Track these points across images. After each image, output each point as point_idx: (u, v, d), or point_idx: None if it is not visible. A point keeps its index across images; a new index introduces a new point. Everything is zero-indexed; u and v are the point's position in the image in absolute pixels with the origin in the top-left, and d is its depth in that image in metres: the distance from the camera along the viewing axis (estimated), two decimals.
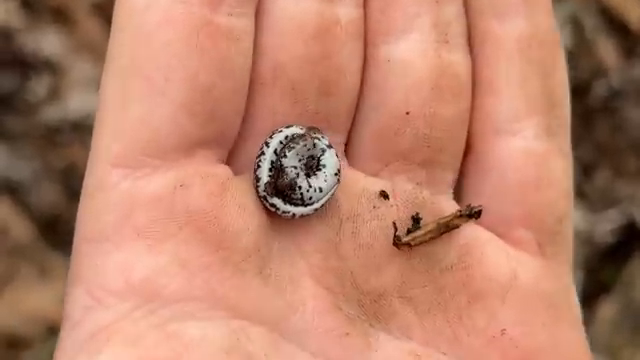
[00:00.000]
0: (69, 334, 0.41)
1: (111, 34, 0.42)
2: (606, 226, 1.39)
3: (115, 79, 0.41)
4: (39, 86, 1.37)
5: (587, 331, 1.32)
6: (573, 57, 1.48)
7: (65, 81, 1.37)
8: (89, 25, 1.40)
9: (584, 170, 1.38)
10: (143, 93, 0.41)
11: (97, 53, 1.38)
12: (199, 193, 0.41)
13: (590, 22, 1.46)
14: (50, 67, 1.37)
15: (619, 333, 1.29)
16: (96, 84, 1.37)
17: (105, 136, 0.41)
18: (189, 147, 0.41)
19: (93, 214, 0.41)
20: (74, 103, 1.36)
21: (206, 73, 0.41)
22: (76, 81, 1.37)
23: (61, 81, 1.37)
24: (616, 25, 1.48)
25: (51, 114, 1.36)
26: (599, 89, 1.45)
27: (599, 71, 1.46)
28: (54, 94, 1.37)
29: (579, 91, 1.42)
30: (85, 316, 0.40)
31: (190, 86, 0.41)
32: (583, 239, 1.36)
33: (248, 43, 0.42)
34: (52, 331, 1.24)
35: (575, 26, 1.46)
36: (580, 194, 1.38)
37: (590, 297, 1.34)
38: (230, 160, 0.44)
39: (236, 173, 0.43)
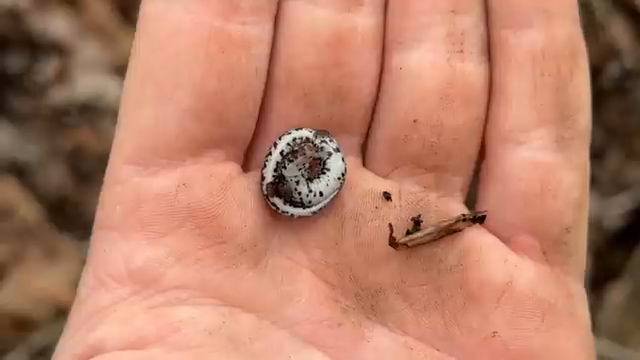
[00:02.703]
0: (76, 310, 0.44)
1: (134, 39, 0.44)
2: (616, 210, 1.39)
3: (132, 82, 0.44)
4: (47, 67, 1.37)
5: (595, 316, 1.31)
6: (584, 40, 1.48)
7: (73, 63, 1.37)
8: (97, 7, 1.40)
9: (594, 154, 1.38)
10: (154, 97, 0.43)
11: (105, 35, 1.38)
12: (200, 191, 0.43)
13: (601, 5, 1.46)
14: (58, 49, 1.38)
15: (628, 318, 1.30)
16: (104, 66, 1.37)
17: (121, 134, 0.44)
18: (196, 148, 0.43)
19: (106, 204, 0.44)
20: (82, 85, 1.36)
21: (214, 80, 0.42)
22: (84, 63, 1.37)
23: (69, 63, 1.37)
24: (627, 8, 1.48)
25: (59, 96, 1.36)
26: (611, 71, 1.45)
27: (611, 53, 1.46)
28: (62, 76, 1.37)
29: (591, 73, 1.41)
30: (90, 296, 0.43)
31: (197, 93, 0.42)
32: (592, 224, 1.36)
33: (262, 49, 0.44)
34: (60, 312, 1.25)
35: (586, 9, 1.46)
36: (590, 178, 1.38)
37: (599, 282, 1.34)
38: (248, 156, 0.46)
39: (252, 169, 0.46)
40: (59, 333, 1.24)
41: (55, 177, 1.32)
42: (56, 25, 1.38)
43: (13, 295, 1.25)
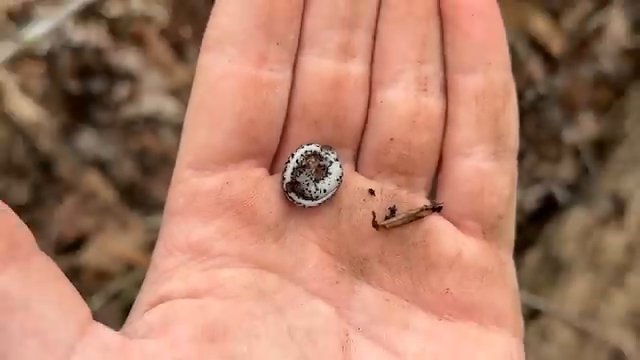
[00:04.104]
0: (151, 271, 0.44)
1: (194, 81, 0.44)
2: (532, 197, 1.40)
3: (191, 111, 0.44)
4: (121, 90, 1.37)
5: (517, 274, 1.31)
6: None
7: (140, 87, 1.37)
8: (157, 46, 1.39)
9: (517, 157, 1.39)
10: (207, 123, 0.43)
11: (163, 67, 1.38)
12: (239, 188, 0.43)
13: (522, 47, 1.46)
14: (129, 77, 1.37)
15: (540, 275, 1.30)
16: (162, 90, 1.37)
17: (183, 147, 0.44)
18: (236, 159, 0.43)
19: (173, 196, 0.44)
20: (146, 103, 1.35)
21: (249, 112, 0.43)
22: (148, 87, 1.37)
23: (137, 87, 1.37)
24: (541, 50, 1.48)
25: (129, 111, 1.36)
26: (529, 96, 1.45)
27: (529, 83, 1.46)
28: (132, 96, 1.37)
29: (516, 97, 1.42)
30: (161, 261, 0.43)
31: (237, 121, 0.43)
32: (516, 206, 1.37)
33: (284, 89, 0.44)
34: (129, 267, 1.25)
35: (512, 50, 1.46)
36: None
37: (519, 250, 1.35)
38: (273, 163, 0.46)
39: (275, 173, 0.46)
40: (128, 282, 1.24)
41: (126, 170, 1.32)
42: (128, 59, 1.38)
43: (96, 255, 1.25)
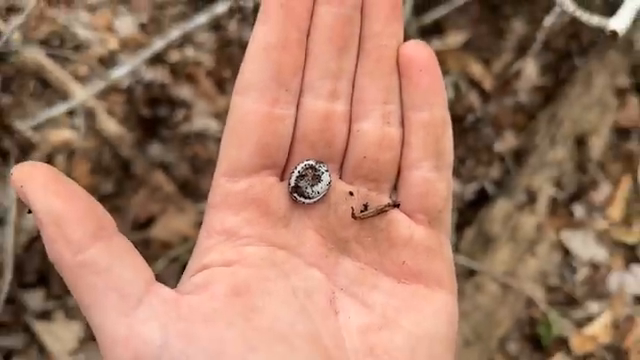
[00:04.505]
0: (196, 248, 0.43)
1: (228, 114, 0.44)
2: (470, 190, 1.39)
3: (226, 133, 0.43)
4: (179, 114, 1.37)
5: (458, 245, 1.29)
6: (455, 103, 1.48)
7: (192, 112, 1.37)
8: (205, 83, 1.39)
9: (459, 161, 1.39)
10: (236, 144, 0.43)
11: (209, 98, 1.38)
12: (259, 190, 0.43)
13: (464, 84, 1.46)
14: (185, 104, 1.37)
15: (475, 245, 1.29)
16: (208, 114, 1.37)
17: (220, 160, 0.43)
18: (256, 170, 0.43)
19: (213, 195, 0.43)
20: (197, 123, 1.35)
21: (266, 137, 0.42)
22: (198, 112, 1.37)
23: (190, 112, 1.37)
24: (477, 86, 1.48)
25: (185, 128, 1.36)
26: (469, 118, 1.45)
27: (470, 109, 1.46)
28: (187, 118, 1.37)
29: (459, 119, 1.41)
30: (203, 241, 0.43)
31: (257, 144, 0.42)
32: (458, 197, 1.36)
33: (290, 122, 0.43)
34: (185, 239, 1.25)
35: (456, 86, 1.46)
36: (457, 174, 1.39)
37: (460, 227, 1.34)
38: (283, 173, 0.45)
39: (284, 180, 0.45)
40: (184, 250, 1.25)
41: (183, 170, 1.32)
42: (184, 92, 1.38)
43: (161, 230, 1.26)
